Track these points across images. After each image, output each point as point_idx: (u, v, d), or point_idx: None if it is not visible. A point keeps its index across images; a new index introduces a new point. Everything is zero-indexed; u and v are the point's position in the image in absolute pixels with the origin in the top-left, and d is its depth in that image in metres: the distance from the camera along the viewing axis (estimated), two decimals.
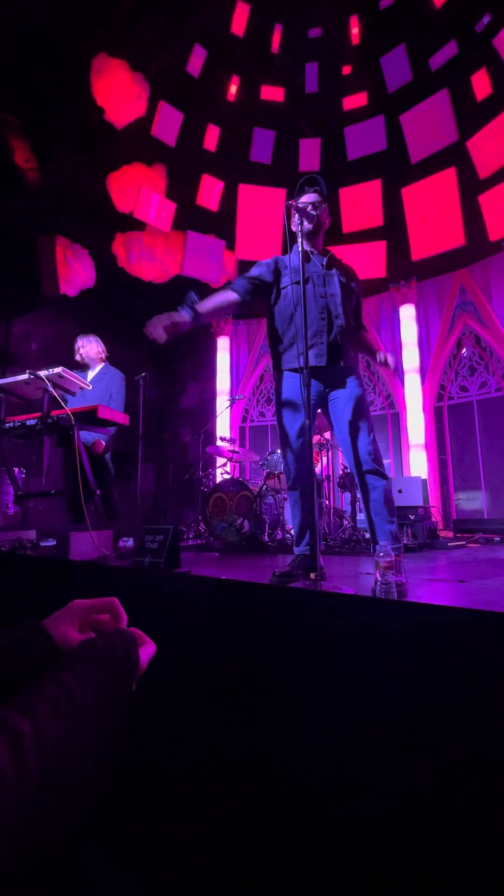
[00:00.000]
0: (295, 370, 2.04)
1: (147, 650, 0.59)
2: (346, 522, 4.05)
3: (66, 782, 0.40)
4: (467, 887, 0.90)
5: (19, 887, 0.36)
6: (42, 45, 5.11)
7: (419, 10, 5.78)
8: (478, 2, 5.51)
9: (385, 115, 6.25)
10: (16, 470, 3.94)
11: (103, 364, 3.71)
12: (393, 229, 6.36)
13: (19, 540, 2.69)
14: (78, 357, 3.68)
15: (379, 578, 1.31)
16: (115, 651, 0.54)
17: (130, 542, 3.28)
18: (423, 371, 6.96)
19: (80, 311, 6.85)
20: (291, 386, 2.05)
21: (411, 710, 1.03)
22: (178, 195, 6.60)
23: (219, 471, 5.25)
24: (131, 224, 6.55)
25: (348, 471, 4.26)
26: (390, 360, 2.18)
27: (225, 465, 4.97)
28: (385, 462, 7.26)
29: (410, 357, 6.98)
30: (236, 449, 4.69)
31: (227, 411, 7.38)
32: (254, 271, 2.16)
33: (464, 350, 6.86)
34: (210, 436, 6.69)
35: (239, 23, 6.05)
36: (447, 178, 6.02)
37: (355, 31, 6.15)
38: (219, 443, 4.89)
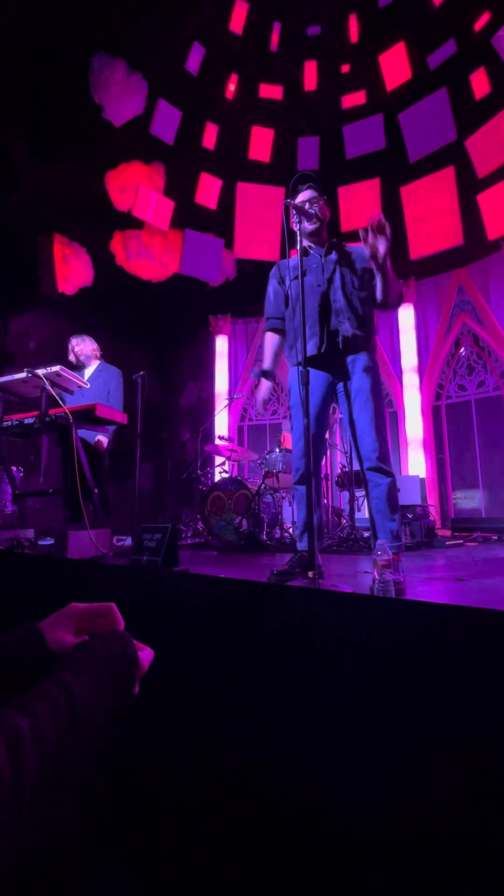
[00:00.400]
0: (298, 364, 2.06)
1: (146, 653, 0.59)
2: (344, 521, 4.05)
3: (65, 782, 0.40)
4: (467, 888, 0.90)
5: (19, 886, 0.36)
6: (41, 43, 5.09)
7: (418, 8, 5.77)
8: (477, 1, 5.51)
9: (384, 113, 6.25)
10: (13, 468, 3.93)
11: (99, 362, 3.72)
12: (392, 228, 6.35)
13: (17, 538, 2.69)
14: (72, 357, 3.69)
15: (377, 577, 1.32)
16: (113, 652, 0.54)
17: (128, 541, 3.27)
18: (422, 370, 6.96)
19: (78, 310, 6.84)
20: (293, 382, 2.09)
21: (409, 707, 1.03)
22: (176, 193, 6.59)
23: (217, 469, 5.25)
24: (130, 222, 6.54)
25: (346, 469, 4.26)
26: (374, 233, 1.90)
27: (223, 463, 4.97)
28: None
29: (408, 356, 6.99)
30: (235, 448, 4.69)
31: (226, 410, 7.38)
32: (268, 294, 2.28)
33: (462, 349, 6.87)
34: (208, 434, 6.68)
35: (238, 21, 6.04)
36: (446, 177, 6.02)
37: (354, 29, 6.14)
38: (217, 441, 4.89)
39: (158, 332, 8.35)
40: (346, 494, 4.32)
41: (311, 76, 6.47)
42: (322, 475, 4.16)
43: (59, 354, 3.70)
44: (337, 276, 2.07)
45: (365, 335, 2.04)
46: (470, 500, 6.54)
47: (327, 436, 4.20)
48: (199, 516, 4.33)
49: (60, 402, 2.73)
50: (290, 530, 3.89)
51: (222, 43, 6.10)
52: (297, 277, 2.03)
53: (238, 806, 1.19)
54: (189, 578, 1.71)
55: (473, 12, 5.58)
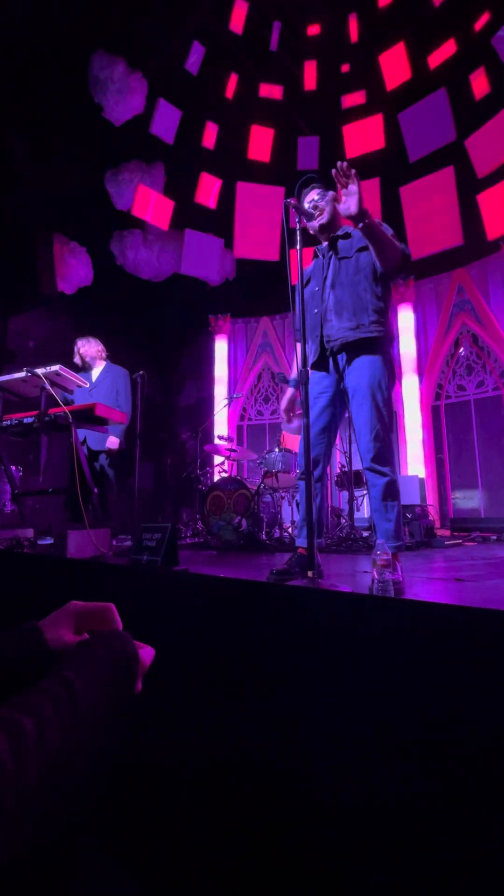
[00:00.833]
0: (313, 366, 2.07)
1: (147, 651, 0.60)
2: (343, 521, 4.05)
3: (67, 780, 0.40)
4: (466, 888, 0.90)
5: (19, 884, 0.36)
6: (41, 42, 5.08)
7: (418, 8, 5.78)
8: (477, 1, 5.51)
9: (383, 113, 6.25)
10: (13, 468, 3.94)
11: (105, 363, 3.75)
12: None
13: (17, 538, 2.69)
14: (77, 359, 3.72)
15: (376, 576, 1.32)
16: (114, 649, 0.54)
17: (128, 541, 3.28)
18: (421, 370, 6.97)
19: (77, 309, 6.83)
20: (311, 382, 2.11)
21: (408, 707, 1.03)
22: (176, 193, 6.59)
23: (216, 469, 5.25)
24: (129, 222, 6.54)
25: (345, 469, 4.26)
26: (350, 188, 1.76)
27: (223, 463, 4.98)
28: None
29: (408, 356, 6.99)
30: (234, 447, 4.69)
31: (225, 410, 7.38)
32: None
33: (461, 349, 6.87)
34: (208, 434, 6.69)
35: (237, 20, 6.04)
36: (445, 177, 6.03)
37: (354, 29, 6.14)
38: (217, 441, 4.89)
39: (158, 332, 8.35)
40: (345, 494, 4.32)
41: (310, 76, 6.47)
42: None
43: (59, 354, 3.71)
44: (330, 273, 2.04)
45: (362, 328, 1.92)
46: (469, 499, 6.55)
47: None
48: (198, 516, 4.33)
49: (59, 402, 2.73)
50: (290, 530, 3.89)
51: (222, 42, 6.10)
52: (306, 284, 2.05)
53: (238, 805, 1.19)
54: (189, 578, 1.71)
55: (473, 12, 5.59)
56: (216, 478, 5.00)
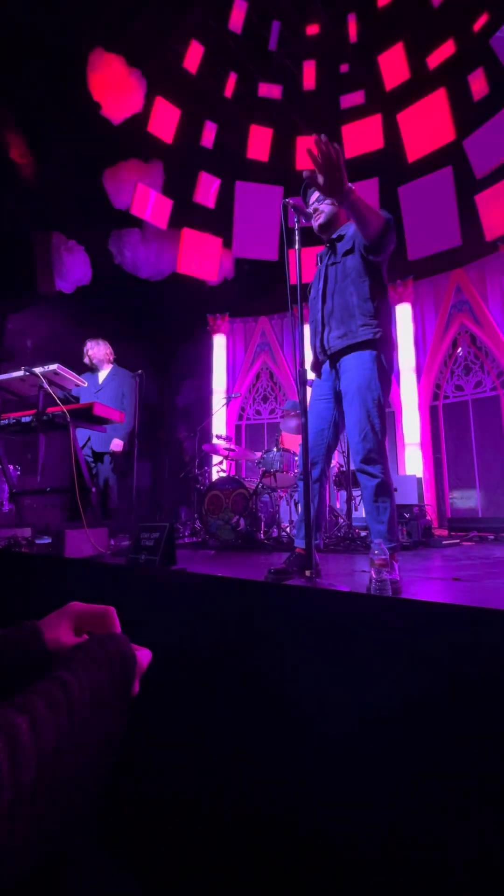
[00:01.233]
0: (312, 368, 2.12)
1: (144, 653, 0.60)
2: (341, 520, 4.06)
3: (63, 780, 0.40)
4: (465, 887, 0.90)
5: (17, 885, 0.36)
6: (38, 40, 5.07)
7: (417, 9, 5.78)
8: (476, 1, 5.51)
9: (382, 113, 6.25)
10: (10, 467, 3.93)
11: (112, 366, 3.80)
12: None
13: (14, 537, 2.68)
14: (86, 360, 3.83)
15: (374, 576, 1.32)
16: (111, 651, 0.54)
17: (126, 541, 3.27)
18: (419, 370, 6.98)
19: (75, 308, 6.82)
20: (313, 384, 2.15)
21: (406, 705, 1.04)
22: (174, 192, 6.58)
23: (214, 469, 5.25)
24: (127, 220, 6.52)
25: (343, 469, 4.27)
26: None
27: (221, 463, 4.97)
28: None
29: (406, 356, 7.00)
30: (232, 447, 4.69)
31: (223, 409, 7.38)
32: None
33: (459, 349, 6.88)
34: (206, 434, 6.69)
35: (237, 19, 6.03)
36: (444, 178, 6.03)
37: (353, 28, 6.14)
38: (215, 441, 4.89)
39: (156, 331, 8.34)
40: (343, 494, 4.33)
41: (309, 75, 6.46)
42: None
43: (57, 353, 3.71)
44: (322, 282, 2.06)
45: (349, 335, 1.91)
46: (467, 499, 6.56)
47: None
48: (196, 515, 4.32)
49: (57, 401, 2.73)
50: (288, 529, 3.89)
51: (221, 41, 6.09)
52: (311, 289, 2.09)
53: (237, 805, 1.19)
54: (187, 577, 1.71)
55: (472, 13, 5.59)
56: (214, 477, 5.00)
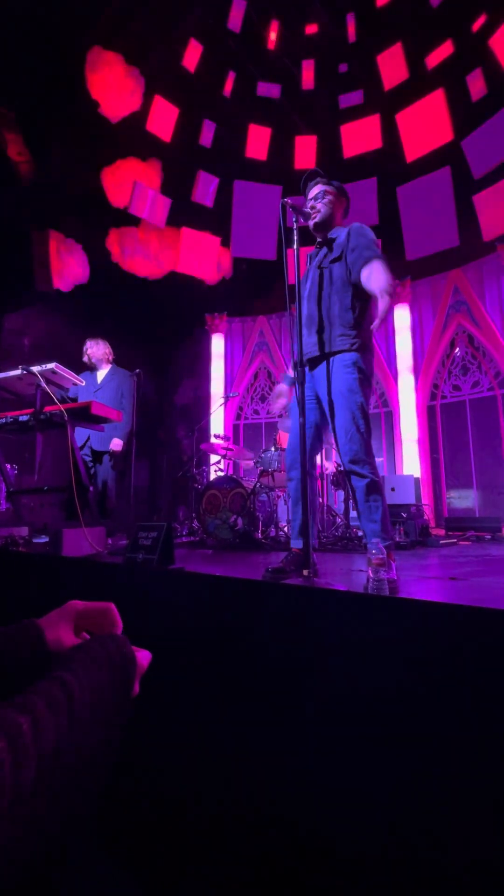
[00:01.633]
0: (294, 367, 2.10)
1: (144, 654, 0.60)
2: (338, 520, 4.06)
3: (64, 780, 0.40)
4: (465, 887, 0.91)
5: (16, 885, 0.36)
6: (37, 38, 5.05)
7: (416, 9, 5.78)
8: (474, 2, 5.52)
9: (381, 113, 6.26)
10: (7, 466, 3.93)
11: (111, 365, 3.79)
12: (388, 228, 6.38)
13: (12, 536, 2.68)
14: (85, 359, 3.82)
15: (371, 575, 1.32)
16: (110, 651, 0.54)
17: (124, 540, 3.27)
18: (417, 370, 6.99)
19: (73, 307, 6.81)
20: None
21: (403, 704, 1.04)
22: (173, 191, 6.57)
23: (212, 468, 5.25)
24: (126, 219, 6.51)
25: (342, 469, 4.27)
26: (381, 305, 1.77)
27: (219, 462, 4.97)
28: (378, 461, 7.29)
29: (404, 356, 7.02)
30: (230, 446, 4.69)
31: (222, 409, 7.38)
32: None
33: (457, 349, 6.90)
34: (204, 433, 6.69)
35: (235, 18, 6.02)
36: (442, 178, 6.04)
37: (352, 28, 6.14)
38: (213, 440, 4.89)
39: (154, 330, 8.34)
40: (341, 493, 4.34)
41: (308, 75, 6.46)
42: (316, 474, 4.16)
43: (55, 351, 3.71)
44: (308, 284, 2.07)
45: (327, 343, 1.95)
46: (464, 499, 6.58)
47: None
48: (194, 515, 4.32)
49: (55, 400, 2.72)
50: (286, 528, 3.90)
51: (220, 40, 6.09)
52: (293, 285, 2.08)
53: (237, 805, 1.19)
54: (184, 577, 1.71)
55: (471, 13, 5.60)
56: (212, 476, 5.00)
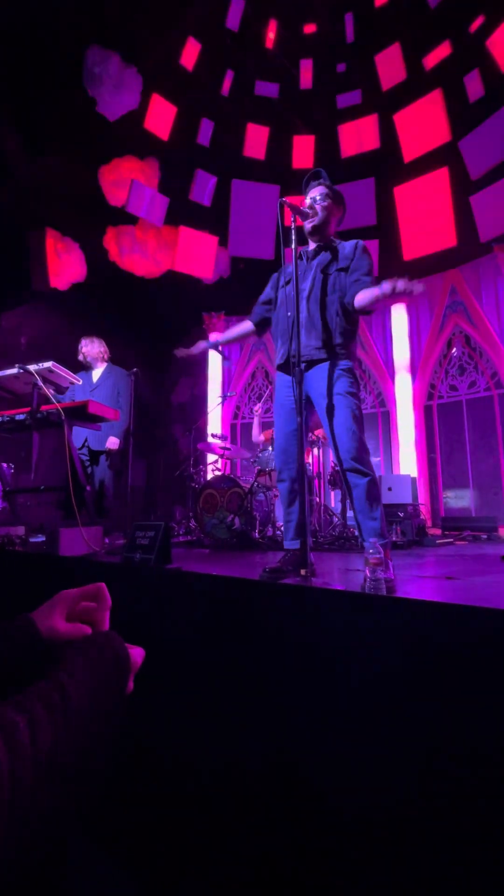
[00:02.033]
0: (279, 367, 2.10)
1: (137, 651, 0.60)
2: (335, 519, 4.07)
3: (61, 778, 0.41)
4: (465, 887, 0.91)
5: (14, 884, 0.36)
6: (35, 36, 5.03)
7: (414, 9, 5.79)
8: (472, 3, 5.54)
9: (378, 113, 6.27)
10: (4, 465, 3.91)
11: (107, 364, 3.78)
12: (385, 228, 6.39)
13: (8, 535, 2.67)
14: (81, 357, 3.79)
15: (368, 575, 1.33)
16: (103, 650, 0.54)
17: (121, 540, 3.27)
18: (414, 370, 7.01)
19: (70, 306, 6.78)
20: (277, 384, 2.14)
21: (401, 704, 1.04)
22: (170, 190, 6.56)
23: (210, 467, 5.25)
24: (123, 218, 6.49)
25: (338, 468, 4.28)
26: (399, 285, 1.67)
27: (216, 461, 4.97)
28: (374, 460, 7.31)
29: (401, 356, 7.03)
30: (227, 446, 4.69)
31: (219, 408, 7.37)
32: (263, 294, 2.23)
33: (454, 350, 6.92)
34: (201, 432, 6.68)
35: (234, 17, 6.02)
36: (439, 178, 6.06)
37: (350, 28, 6.14)
38: (210, 439, 4.89)
39: (151, 329, 8.32)
40: (338, 493, 4.34)
41: (306, 74, 6.47)
42: (314, 473, 4.17)
43: (51, 350, 3.69)
44: (307, 285, 2.06)
45: (325, 348, 1.97)
46: (460, 499, 6.60)
47: (319, 433, 4.22)
48: (191, 514, 4.32)
49: (52, 399, 2.71)
50: (283, 528, 3.90)
51: (218, 39, 6.08)
52: (285, 285, 2.09)
53: (236, 804, 1.20)
54: (181, 576, 1.71)
55: (468, 14, 5.61)
56: (209, 476, 4.99)
